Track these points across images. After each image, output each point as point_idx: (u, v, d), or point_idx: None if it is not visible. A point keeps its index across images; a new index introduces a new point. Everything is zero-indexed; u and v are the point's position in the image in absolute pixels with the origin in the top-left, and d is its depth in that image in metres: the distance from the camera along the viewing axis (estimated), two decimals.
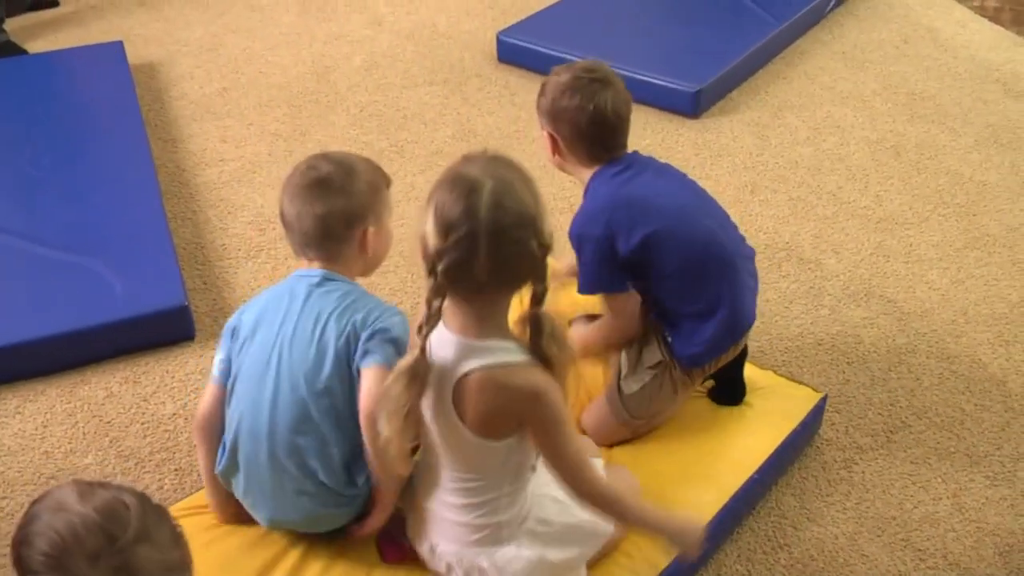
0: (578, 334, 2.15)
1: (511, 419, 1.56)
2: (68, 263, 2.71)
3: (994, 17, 4.46)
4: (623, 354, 2.15)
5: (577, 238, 2.05)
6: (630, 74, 3.59)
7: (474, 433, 1.56)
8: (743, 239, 2.17)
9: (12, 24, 4.14)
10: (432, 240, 1.46)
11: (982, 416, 2.39)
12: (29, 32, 4.19)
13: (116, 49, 3.85)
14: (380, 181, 1.87)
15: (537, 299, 1.52)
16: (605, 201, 2.03)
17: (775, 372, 2.35)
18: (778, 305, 2.72)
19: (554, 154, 2.10)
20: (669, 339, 2.12)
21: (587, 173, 2.08)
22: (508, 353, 1.54)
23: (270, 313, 1.80)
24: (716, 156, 3.37)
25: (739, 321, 2.12)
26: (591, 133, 2.04)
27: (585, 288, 2.08)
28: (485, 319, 1.54)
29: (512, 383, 1.53)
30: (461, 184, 1.47)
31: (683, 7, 4.17)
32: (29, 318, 2.53)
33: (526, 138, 3.47)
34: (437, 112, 3.61)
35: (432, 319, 1.51)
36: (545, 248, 1.49)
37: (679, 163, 3.19)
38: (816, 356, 2.56)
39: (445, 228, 1.45)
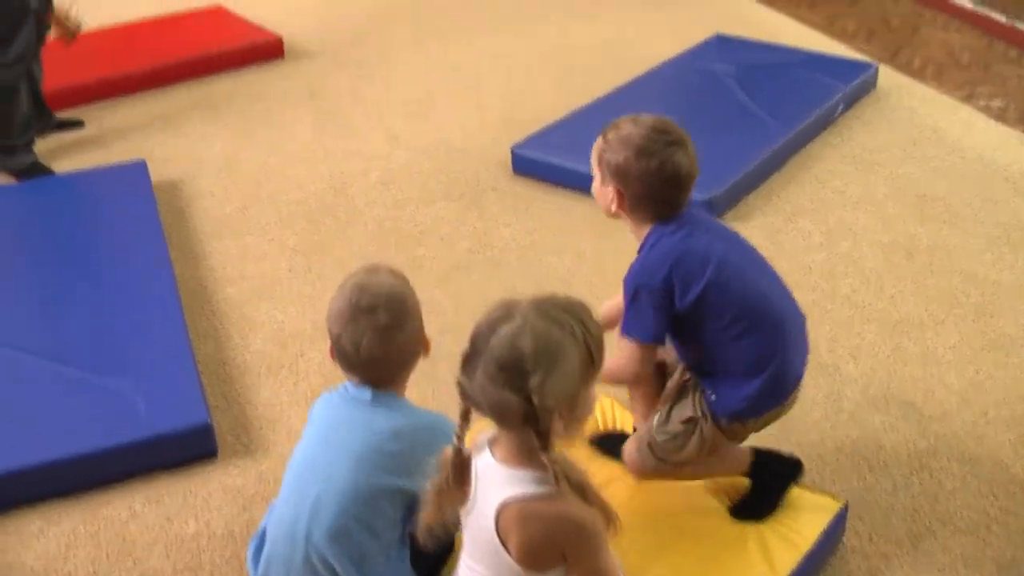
0: None
1: (555, 550, 1.59)
2: (91, 382, 2.75)
3: (999, 116, 4.53)
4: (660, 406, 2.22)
5: (634, 287, 2.06)
6: None
7: (521, 565, 1.59)
8: (795, 303, 2.20)
9: (40, 145, 4.23)
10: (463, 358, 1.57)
11: (1008, 520, 2.37)
12: (56, 153, 4.29)
13: (139, 169, 3.94)
14: (417, 301, 1.96)
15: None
16: (666, 255, 2.05)
17: (794, 481, 2.35)
18: (797, 411, 2.70)
19: (618, 208, 2.10)
20: (710, 395, 2.13)
21: (646, 228, 2.10)
22: (545, 484, 1.56)
23: (319, 427, 1.94)
24: None
25: (784, 382, 2.13)
26: (663, 193, 2.07)
27: (631, 332, 2.07)
28: (524, 449, 1.58)
29: (552, 515, 1.56)
30: (500, 308, 1.55)
31: (695, 116, 4.22)
32: (51, 438, 2.55)
33: (542, 250, 3.51)
34: (454, 226, 3.66)
35: (464, 420, 1.60)
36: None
37: None
38: (837, 462, 2.55)
39: (469, 342, 1.56)
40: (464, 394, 1.57)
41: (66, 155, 4.29)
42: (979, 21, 5.64)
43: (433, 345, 2.02)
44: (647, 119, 2.10)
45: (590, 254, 3.48)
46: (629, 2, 6.04)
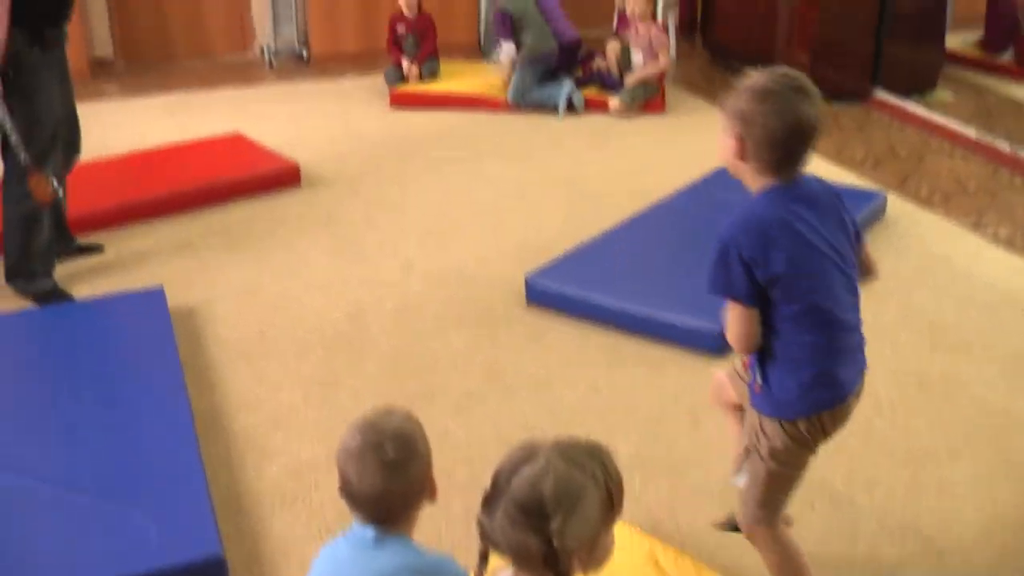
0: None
1: None
2: (103, 510, 2.73)
3: (1008, 244, 4.58)
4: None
5: (723, 240, 2.07)
6: (654, 315, 3.70)
7: None
8: (859, 316, 2.21)
9: (59, 270, 4.29)
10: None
11: None
12: (75, 277, 4.34)
13: (157, 295, 3.98)
14: (427, 444, 1.95)
15: None
16: (765, 220, 2.06)
17: None
18: (814, 546, 2.69)
19: (737, 157, 2.09)
20: (763, 388, 2.16)
21: (760, 183, 2.10)
22: None
23: (322, 570, 1.93)
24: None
25: (836, 381, 2.15)
26: (784, 141, 2.05)
27: (713, 288, 2.11)
28: None
29: None
30: (522, 449, 1.56)
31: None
32: (62, 567, 2.54)
33: (557, 382, 3.53)
34: (467, 356, 3.69)
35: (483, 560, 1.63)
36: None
37: (704, 405, 3.26)
38: None
39: (491, 482, 1.59)
40: (484, 534, 1.59)
41: (85, 280, 4.34)
42: (984, 150, 5.74)
43: (446, 477, 2.04)
44: (773, 70, 2.10)
45: (605, 387, 3.49)
46: (641, 131, 6.17)
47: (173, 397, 3.29)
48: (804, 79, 2.09)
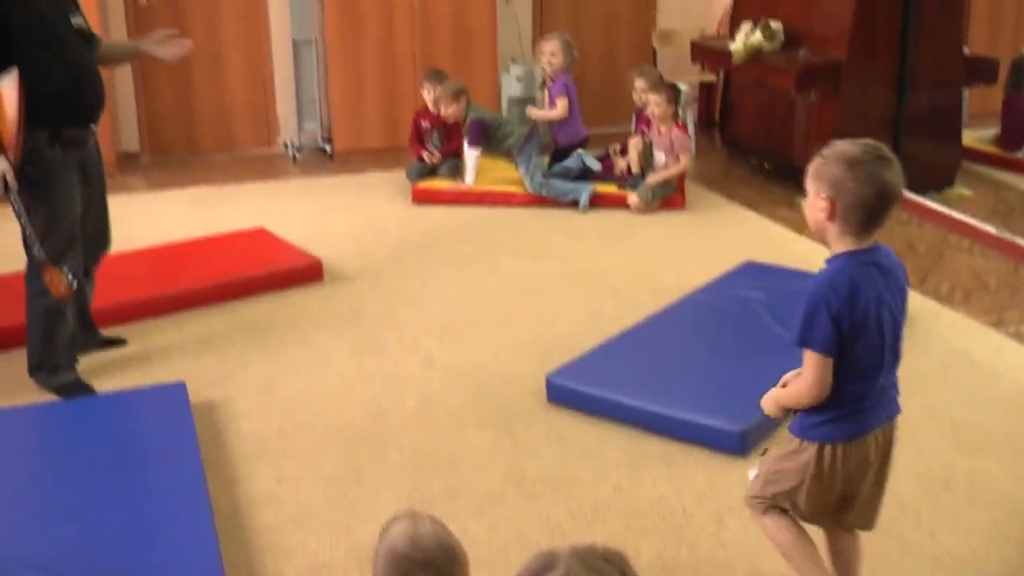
0: (774, 393, 2.59)
1: None
2: None
3: None
4: None
5: (812, 295, 2.37)
6: (676, 415, 3.69)
7: None
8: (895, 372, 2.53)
9: (82, 362, 4.32)
10: None
11: None
12: (97, 371, 4.37)
13: (178, 390, 4.00)
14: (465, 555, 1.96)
15: None
16: (850, 279, 2.36)
17: None
18: None
19: (828, 220, 2.36)
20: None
21: (842, 245, 2.39)
22: None
23: None
24: None
25: (859, 423, 2.47)
26: (871, 206, 2.33)
27: (800, 341, 2.40)
28: None
29: None
30: (541, 557, 1.58)
31: (727, 344, 4.30)
32: None
33: (575, 482, 3.50)
34: (487, 455, 3.67)
35: None
36: None
37: (728, 506, 3.24)
38: None
39: None
40: None
41: (108, 373, 4.37)
42: (1003, 246, 5.75)
43: None
44: (858, 141, 2.37)
45: (627, 487, 3.46)
46: (661, 227, 6.22)
47: (193, 493, 3.28)
48: (886, 149, 2.37)
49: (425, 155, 6.97)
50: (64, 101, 3.99)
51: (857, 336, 2.36)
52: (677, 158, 6.54)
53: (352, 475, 3.56)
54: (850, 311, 2.34)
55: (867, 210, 2.34)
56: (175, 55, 4.29)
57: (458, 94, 6.70)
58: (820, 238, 2.49)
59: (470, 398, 4.09)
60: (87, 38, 4.15)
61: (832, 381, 2.40)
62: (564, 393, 3.95)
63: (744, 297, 4.70)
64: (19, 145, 3.85)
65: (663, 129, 6.58)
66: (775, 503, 2.66)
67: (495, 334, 4.68)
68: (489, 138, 6.72)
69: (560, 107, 7.06)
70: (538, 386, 4.06)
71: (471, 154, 6.74)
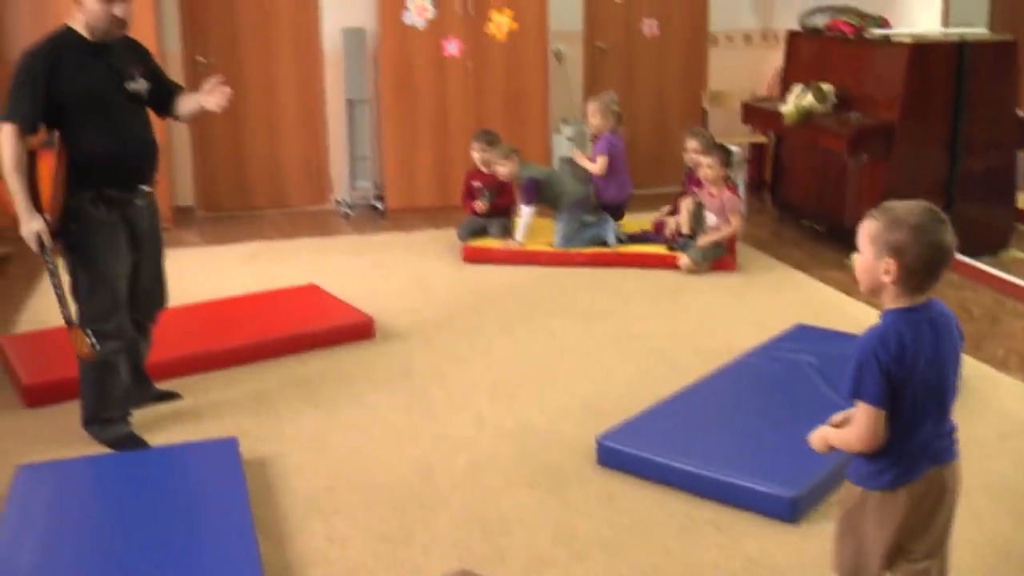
0: (823, 431, 2.66)
1: None
2: None
3: None
4: None
5: (861, 350, 2.46)
6: (727, 479, 3.66)
7: None
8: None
9: (136, 416, 4.37)
10: None
11: None
12: (150, 424, 4.41)
13: (230, 445, 4.03)
14: None
15: None
16: (902, 334, 2.44)
17: None
18: None
19: (892, 281, 2.44)
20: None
21: (898, 303, 2.48)
22: None
23: None
24: (816, 561, 3.33)
25: (913, 468, 2.53)
26: (929, 267, 2.43)
27: (853, 393, 2.48)
28: None
29: None
30: None
31: (779, 407, 4.27)
32: None
33: (627, 546, 3.48)
34: (537, 516, 3.66)
35: None
36: None
37: (780, 573, 3.19)
38: None
39: None
40: None
41: (161, 427, 4.41)
42: None
43: None
44: (911, 203, 2.46)
45: (677, 552, 3.43)
46: (712, 289, 6.20)
47: (243, 550, 3.30)
48: (939, 210, 2.46)
49: (476, 205, 7.02)
50: (108, 163, 4.04)
51: (904, 389, 2.44)
52: (728, 220, 6.54)
53: (402, 534, 3.56)
54: (898, 366, 2.42)
55: (927, 271, 2.43)
56: (218, 104, 4.23)
57: (509, 153, 6.77)
58: (873, 297, 2.56)
59: (520, 458, 4.08)
60: (142, 102, 4.21)
61: (884, 431, 2.49)
62: (614, 455, 3.93)
63: (796, 360, 4.67)
64: (57, 207, 3.94)
65: (714, 191, 6.59)
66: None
67: (545, 394, 4.68)
68: (543, 196, 6.76)
69: (599, 164, 7.10)
70: (588, 447, 4.04)
71: (526, 212, 6.79)
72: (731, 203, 6.54)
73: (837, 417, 2.69)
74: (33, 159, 3.94)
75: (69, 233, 4.02)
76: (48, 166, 3.92)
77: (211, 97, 4.24)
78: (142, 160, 4.20)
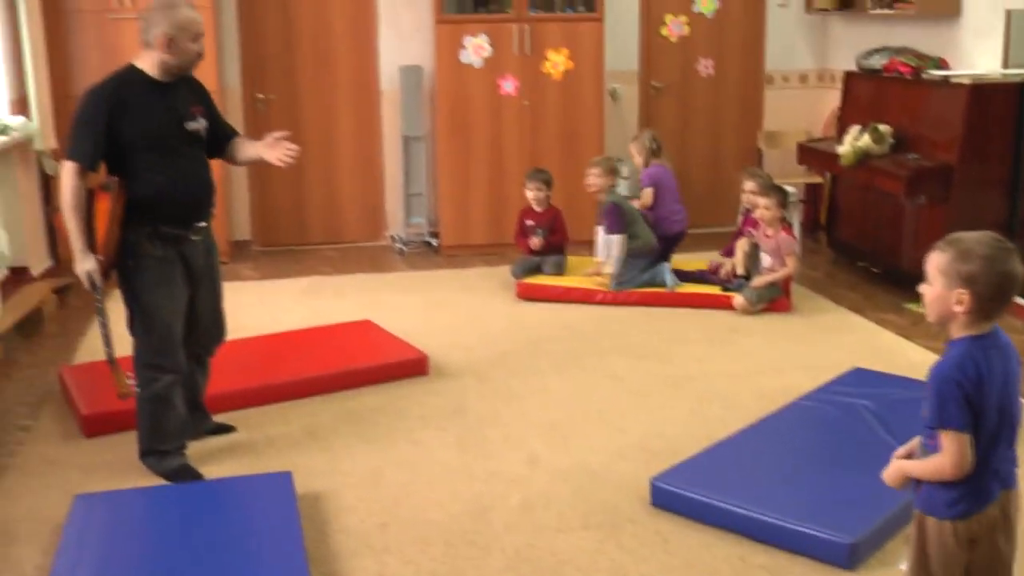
0: (900, 464, 2.68)
1: None
2: None
3: None
4: None
5: (940, 378, 2.50)
6: (783, 524, 3.62)
7: None
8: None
9: (192, 448, 4.42)
10: None
11: None
12: (206, 457, 4.45)
13: (285, 479, 4.05)
14: None
15: None
16: (977, 359, 2.49)
17: None
18: None
19: (964, 311, 2.49)
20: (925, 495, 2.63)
21: (967, 331, 2.53)
22: None
23: None
24: None
25: (983, 494, 2.56)
26: (1000, 296, 2.49)
27: (938, 422, 2.51)
28: None
29: None
30: None
31: (836, 451, 4.22)
32: None
33: None
34: (591, 558, 3.63)
35: None
36: None
37: None
38: None
39: None
40: None
41: (216, 460, 4.45)
42: None
43: None
44: (978, 233, 2.52)
45: None
46: (767, 330, 6.15)
47: None
48: (1005, 239, 2.52)
49: (531, 242, 7.03)
50: (165, 202, 4.10)
51: (982, 414, 2.50)
52: (784, 261, 6.50)
53: (454, 574, 3.55)
54: (976, 391, 2.48)
55: (998, 300, 2.50)
56: (282, 160, 4.30)
57: (612, 168, 6.85)
58: (941, 327, 2.61)
59: (574, 499, 4.06)
60: (201, 141, 4.28)
61: (972, 456, 2.52)
62: (669, 497, 3.90)
63: (852, 404, 4.62)
64: (111, 246, 4.01)
65: (770, 232, 6.55)
66: None
67: (600, 434, 4.66)
68: (625, 227, 6.75)
69: (646, 196, 7.14)
70: (643, 489, 4.02)
71: (616, 240, 6.71)
72: (787, 245, 6.50)
73: (901, 451, 2.73)
74: (91, 199, 4.02)
75: (125, 268, 4.08)
76: (105, 206, 3.99)
77: (274, 152, 4.31)
78: (200, 198, 4.26)
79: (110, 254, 4.03)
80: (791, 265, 6.50)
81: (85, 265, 4.02)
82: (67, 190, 3.98)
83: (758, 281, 6.50)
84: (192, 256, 4.26)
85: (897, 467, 2.69)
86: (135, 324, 4.15)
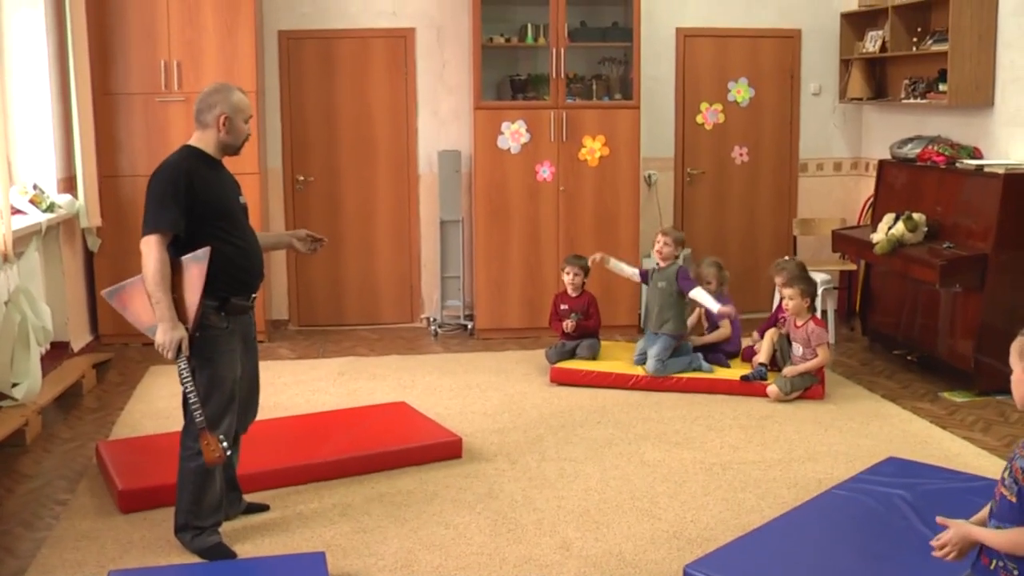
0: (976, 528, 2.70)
1: None
2: None
3: None
4: None
5: None
6: None
7: None
8: None
9: (225, 526, 4.44)
10: None
11: None
12: (239, 534, 4.47)
13: (318, 559, 4.05)
14: None
15: None
16: None
17: None
18: None
19: None
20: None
21: None
22: None
23: None
24: None
25: None
26: None
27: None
28: None
29: None
30: None
31: (871, 544, 4.18)
32: None
33: None
34: None
35: None
36: None
37: None
38: None
39: None
40: None
41: (248, 538, 4.47)
42: None
43: None
44: None
45: None
46: (800, 418, 6.13)
47: None
48: None
49: (565, 325, 7.05)
50: (234, 272, 4.24)
51: None
52: (815, 352, 6.49)
53: None
54: None
55: None
56: (311, 251, 4.85)
57: (681, 241, 6.95)
58: None
59: None
60: (247, 217, 4.45)
61: None
62: None
63: (887, 494, 4.58)
64: (197, 316, 4.09)
65: (799, 322, 6.57)
66: None
67: (632, 521, 4.64)
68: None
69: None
70: None
71: (699, 290, 6.77)
72: (816, 335, 6.50)
73: (974, 521, 2.79)
74: (176, 270, 4.11)
75: (193, 339, 4.15)
76: (193, 281, 4.09)
77: (305, 245, 4.79)
78: (260, 269, 4.42)
79: (196, 323, 4.11)
80: (822, 355, 6.49)
81: (176, 334, 4.06)
82: (154, 262, 4.05)
83: (789, 371, 6.49)
84: (248, 328, 4.41)
85: (965, 532, 2.69)
86: (199, 393, 4.17)
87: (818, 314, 6.96)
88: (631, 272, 7.14)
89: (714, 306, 6.70)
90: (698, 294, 6.74)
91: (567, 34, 8.03)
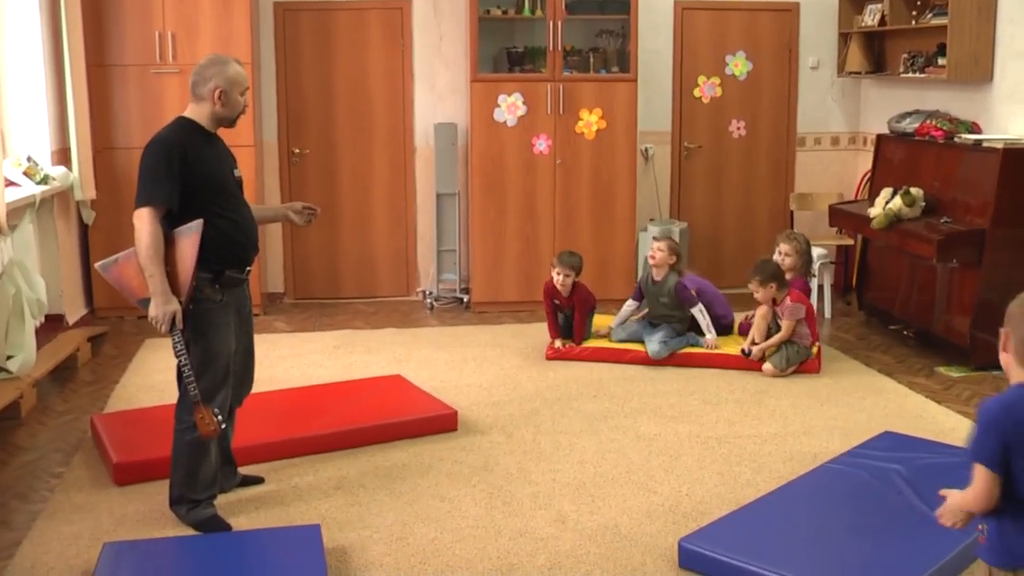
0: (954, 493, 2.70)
1: None
2: None
3: None
4: None
5: (982, 411, 2.59)
6: None
7: None
8: None
9: (220, 499, 4.44)
10: None
11: None
12: (235, 507, 4.47)
13: (313, 532, 4.06)
14: None
15: None
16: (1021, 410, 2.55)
17: None
18: None
19: (1003, 351, 2.63)
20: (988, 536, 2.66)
21: (1020, 375, 2.59)
22: None
23: None
24: None
25: None
26: None
27: (976, 456, 2.57)
28: None
29: None
30: None
31: (865, 518, 4.18)
32: None
33: None
34: None
35: None
36: None
37: None
38: None
39: None
40: None
41: (243, 511, 4.47)
42: None
43: None
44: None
45: None
46: (796, 393, 6.13)
47: None
48: None
49: (558, 343, 6.88)
50: (228, 246, 4.23)
51: (1018, 459, 2.54)
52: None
53: None
54: (1015, 434, 2.53)
55: None
56: (308, 223, 4.78)
57: (676, 249, 6.89)
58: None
59: (602, 559, 4.04)
60: (242, 189, 4.43)
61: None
62: (696, 558, 3.88)
63: (882, 468, 4.59)
64: (190, 289, 4.08)
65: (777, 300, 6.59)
66: None
67: (627, 496, 4.64)
68: (696, 298, 6.83)
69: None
70: (671, 550, 4.00)
71: (699, 309, 6.77)
72: (788, 310, 6.49)
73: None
74: (168, 243, 4.09)
75: (186, 313, 4.13)
76: (186, 253, 4.07)
77: (301, 218, 4.71)
78: (254, 241, 4.40)
79: (189, 296, 4.10)
80: (785, 329, 6.46)
81: (169, 307, 4.06)
82: (147, 235, 4.04)
83: (758, 348, 6.49)
84: (242, 302, 4.40)
85: (951, 500, 2.71)
86: (193, 367, 4.16)
87: (815, 287, 6.92)
88: (629, 310, 7.05)
89: (709, 331, 6.75)
90: (698, 313, 6.76)
91: (564, 6, 7.98)
